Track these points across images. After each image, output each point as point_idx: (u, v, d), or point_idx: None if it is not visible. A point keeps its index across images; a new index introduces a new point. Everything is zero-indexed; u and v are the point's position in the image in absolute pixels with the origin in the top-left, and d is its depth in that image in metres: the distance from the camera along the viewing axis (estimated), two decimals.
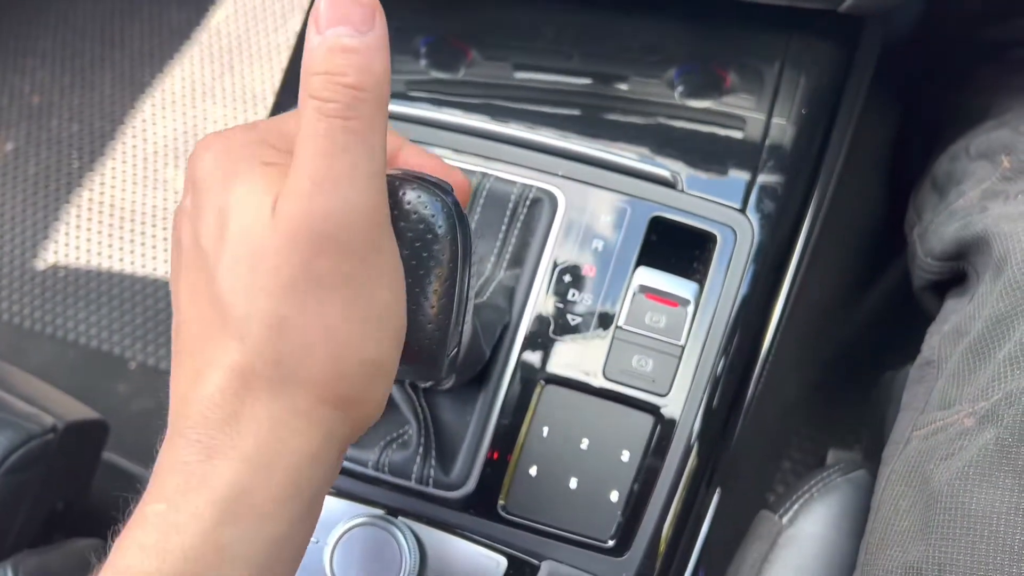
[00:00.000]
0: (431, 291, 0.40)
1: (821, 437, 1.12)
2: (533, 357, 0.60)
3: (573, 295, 0.61)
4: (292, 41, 1.55)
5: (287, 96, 0.73)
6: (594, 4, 0.71)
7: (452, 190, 0.42)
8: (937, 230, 0.65)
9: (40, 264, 1.37)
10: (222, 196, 0.36)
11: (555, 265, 0.62)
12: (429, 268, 0.40)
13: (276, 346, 0.35)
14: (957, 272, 0.64)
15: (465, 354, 0.49)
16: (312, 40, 0.35)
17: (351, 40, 0.35)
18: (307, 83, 0.35)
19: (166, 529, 0.34)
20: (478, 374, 0.60)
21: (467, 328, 0.46)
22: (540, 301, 0.61)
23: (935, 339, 0.62)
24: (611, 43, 0.70)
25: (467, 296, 0.43)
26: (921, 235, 0.68)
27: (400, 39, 0.75)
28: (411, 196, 0.39)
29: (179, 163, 1.43)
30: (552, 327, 0.61)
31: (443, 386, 0.54)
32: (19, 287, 1.35)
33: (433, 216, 0.39)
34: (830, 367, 1.09)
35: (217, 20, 1.58)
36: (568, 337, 0.61)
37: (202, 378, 0.35)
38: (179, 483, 0.34)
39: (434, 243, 0.40)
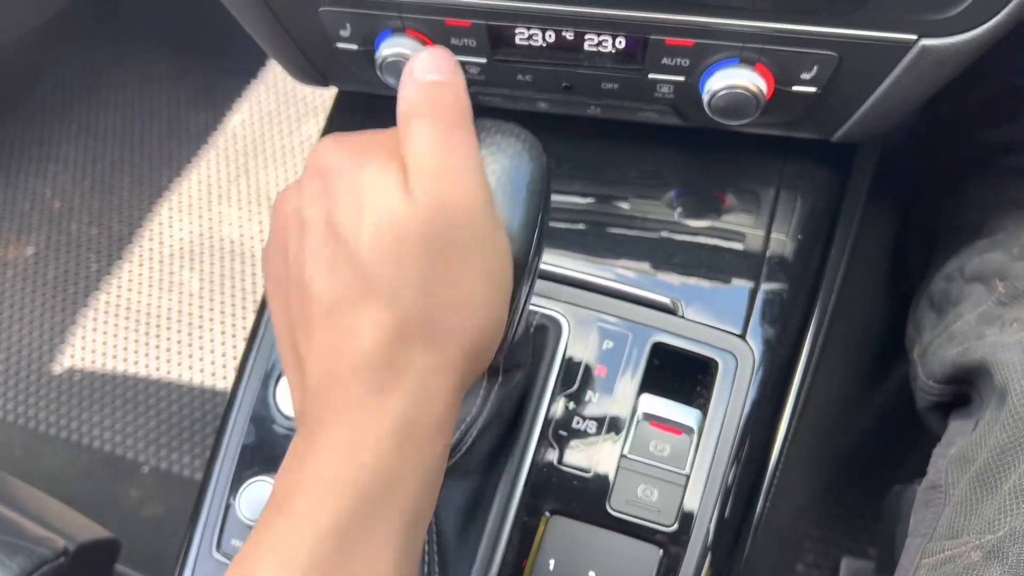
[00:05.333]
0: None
1: (834, 538, 1.10)
2: (538, 488, 0.61)
3: (578, 423, 0.62)
4: (306, 144, 1.59)
5: None
6: (595, 135, 0.73)
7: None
8: (937, 352, 0.66)
9: (56, 368, 1.39)
10: (356, 180, 0.41)
11: (560, 393, 0.63)
12: None
13: (425, 306, 0.40)
14: (959, 394, 0.65)
15: (515, 348, 0.54)
16: (408, 83, 0.43)
17: (445, 80, 0.43)
18: (416, 107, 0.42)
19: (354, 450, 0.39)
20: (480, 503, 0.61)
21: (525, 318, 0.50)
22: (545, 430, 0.62)
23: (941, 463, 0.62)
24: (611, 171, 0.73)
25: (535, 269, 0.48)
26: (921, 355, 0.69)
27: None
28: None
29: (194, 265, 1.46)
30: (557, 456, 0.61)
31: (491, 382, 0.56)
32: (35, 391, 1.37)
33: None
34: (841, 467, 1.09)
35: (233, 124, 1.63)
36: (573, 466, 0.61)
37: (355, 334, 0.40)
38: (356, 416, 0.39)
39: None
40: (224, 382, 1.35)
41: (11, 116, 1.63)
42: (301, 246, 0.42)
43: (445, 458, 0.43)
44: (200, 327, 1.40)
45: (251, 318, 1.41)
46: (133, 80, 1.69)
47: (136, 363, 1.38)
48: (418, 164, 0.41)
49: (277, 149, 1.59)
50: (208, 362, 1.37)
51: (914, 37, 0.55)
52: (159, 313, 1.42)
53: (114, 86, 1.68)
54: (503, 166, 0.44)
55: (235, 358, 1.38)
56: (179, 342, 1.39)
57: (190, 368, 1.37)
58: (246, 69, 1.67)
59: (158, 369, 1.37)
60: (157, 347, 1.39)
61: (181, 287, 1.44)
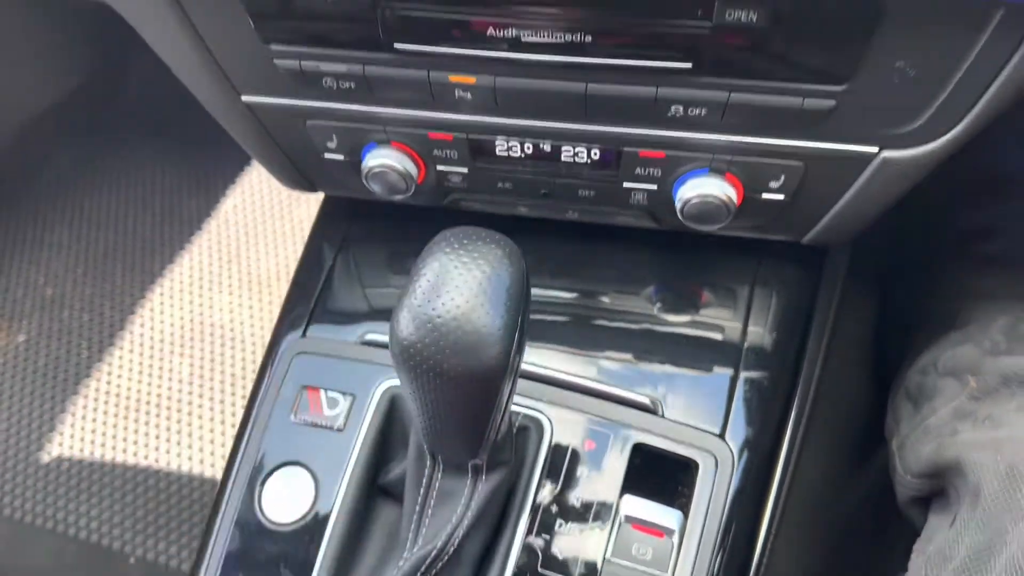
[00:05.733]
0: None
1: None
2: None
3: (560, 526, 0.62)
4: (297, 229, 1.62)
5: (305, 274, 0.78)
6: (576, 236, 0.76)
7: None
8: (914, 447, 0.67)
9: (44, 457, 1.38)
10: None
11: (542, 495, 0.63)
12: None
13: None
14: (936, 488, 0.65)
15: (498, 447, 0.57)
16: None
17: None
18: None
19: None
20: None
21: (507, 415, 0.54)
22: (528, 533, 0.62)
23: (920, 560, 0.63)
24: (591, 271, 0.75)
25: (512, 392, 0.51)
26: (900, 447, 0.70)
27: (392, 264, 0.79)
28: None
29: (184, 351, 1.47)
30: (540, 561, 0.61)
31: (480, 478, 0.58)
32: (22, 481, 1.36)
33: None
34: (829, 555, 1.08)
35: (226, 209, 1.66)
36: (556, 571, 0.61)
37: None
38: None
39: None
40: (212, 469, 1.35)
41: (5, 204, 1.66)
42: None
43: None
44: (190, 413, 1.40)
45: (240, 404, 1.41)
46: (127, 167, 1.72)
47: (125, 451, 1.38)
48: None
49: (269, 235, 1.62)
50: (197, 449, 1.37)
51: (875, 149, 0.58)
52: (148, 400, 1.42)
53: (108, 173, 1.71)
54: (484, 272, 0.46)
55: (223, 445, 1.38)
56: (168, 429, 1.39)
57: (179, 455, 1.37)
58: (239, 156, 1.71)
59: (147, 457, 1.36)
60: (146, 434, 1.39)
61: (171, 373, 1.45)
